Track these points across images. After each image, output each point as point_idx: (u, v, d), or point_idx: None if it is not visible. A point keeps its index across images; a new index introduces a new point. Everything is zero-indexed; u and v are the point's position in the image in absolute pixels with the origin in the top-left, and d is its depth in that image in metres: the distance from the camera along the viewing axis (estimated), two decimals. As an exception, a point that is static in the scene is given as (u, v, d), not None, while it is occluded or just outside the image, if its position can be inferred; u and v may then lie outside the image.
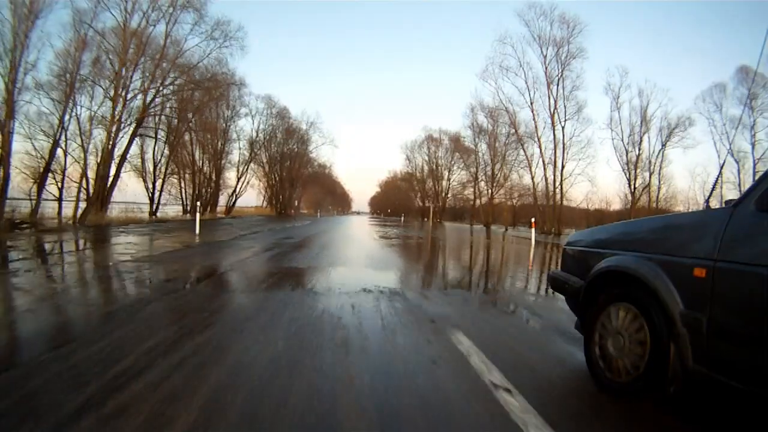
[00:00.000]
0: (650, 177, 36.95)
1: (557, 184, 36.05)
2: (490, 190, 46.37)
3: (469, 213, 62.15)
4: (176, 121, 32.92)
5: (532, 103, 37.42)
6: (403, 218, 60.87)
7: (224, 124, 41.85)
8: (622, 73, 37.68)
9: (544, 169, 36.76)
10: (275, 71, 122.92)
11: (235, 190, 45.74)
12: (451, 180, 59.91)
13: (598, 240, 3.37)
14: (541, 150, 36.99)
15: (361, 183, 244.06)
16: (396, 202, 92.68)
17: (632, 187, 36.79)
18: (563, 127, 36.28)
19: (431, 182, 64.90)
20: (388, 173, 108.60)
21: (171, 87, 25.99)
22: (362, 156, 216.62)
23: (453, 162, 58.84)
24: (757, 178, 2.47)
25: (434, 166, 62.84)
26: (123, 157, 24.48)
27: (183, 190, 36.54)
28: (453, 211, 65.89)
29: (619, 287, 2.89)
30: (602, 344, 2.93)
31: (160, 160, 32.89)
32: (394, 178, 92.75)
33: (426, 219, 65.02)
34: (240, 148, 46.63)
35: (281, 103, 51.05)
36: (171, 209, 35.87)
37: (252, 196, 55.08)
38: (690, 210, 25.89)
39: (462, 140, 52.58)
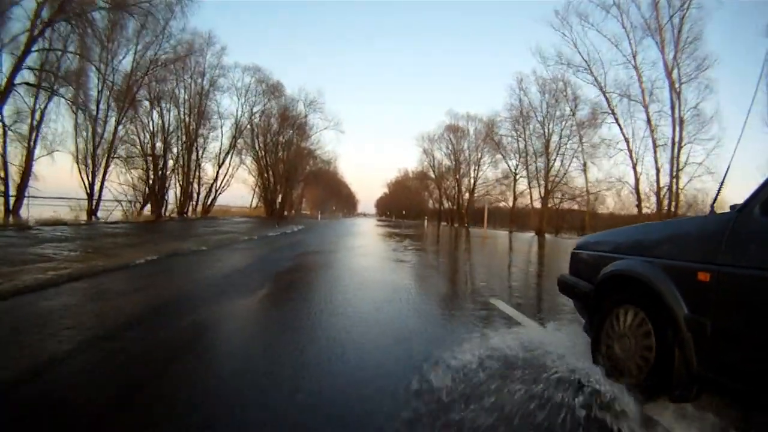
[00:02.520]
0: None
1: (673, 175, 25.29)
2: (543, 188, 36.11)
3: (498, 216, 52.62)
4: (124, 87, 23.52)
5: (634, 56, 26.68)
6: (426, 222, 50.13)
7: (199, 100, 32.13)
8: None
9: (655, 152, 26.02)
10: (268, 51, 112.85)
11: (214, 185, 36.01)
12: (479, 177, 49.90)
13: (607, 244, 3.33)
14: (650, 125, 26.20)
15: (367, 184, 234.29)
16: (407, 204, 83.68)
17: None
18: (678, 94, 25.48)
19: (452, 180, 54.87)
20: (398, 172, 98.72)
21: None
22: (369, 154, 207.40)
23: (481, 155, 48.88)
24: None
25: (456, 161, 52.81)
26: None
27: (149, 183, 26.85)
28: (473, 214, 55.70)
29: (626, 291, 2.87)
30: (609, 346, 2.90)
31: (100, 140, 23.22)
32: (404, 177, 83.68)
33: (447, 223, 55.14)
34: (222, 134, 36.85)
35: (274, 77, 40.74)
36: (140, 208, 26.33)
37: (246, 192, 44.19)
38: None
39: (498, 126, 42.35)
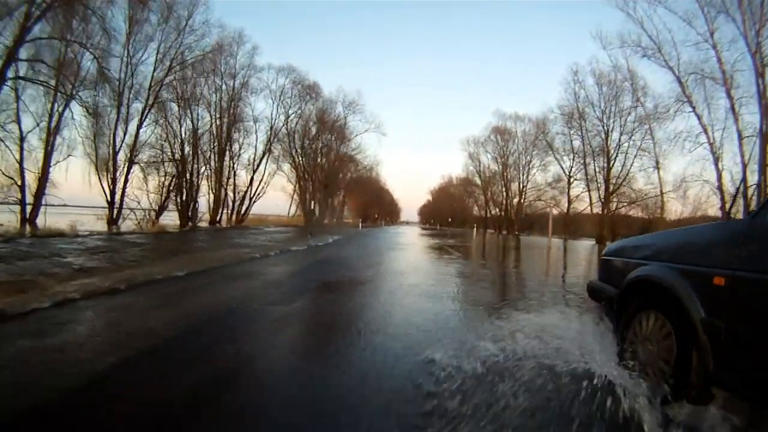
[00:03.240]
0: None
1: (762, 171, 21.00)
2: (603, 190, 32.41)
3: (546, 222, 48.80)
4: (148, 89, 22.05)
5: (712, 34, 22.68)
6: (475, 231, 45.81)
7: (230, 102, 30.52)
8: None
9: (740, 144, 21.97)
10: (303, 54, 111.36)
11: (248, 192, 34.29)
12: (529, 180, 46.25)
13: (632, 250, 3.39)
14: (735, 112, 22.25)
15: (410, 191, 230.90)
16: (451, 211, 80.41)
17: None
18: (763, 76, 21.32)
19: (500, 185, 51.30)
20: (442, 178, 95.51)
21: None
22: (412, 161, 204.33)
23: (531, 158, 45.28)
24: None
25: (503, 165, 49.25)
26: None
27: (176, 191, 25.35)
28: (523, 221, 51.60)
29: (648, 295, 2.91)
30: (634, 349, 2.93)
31: (121, 145, 21.75)
32: (448, 183, 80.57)
33: (494, 230, 51.61)
34: (257, 138, 35.12)
35: (309, 78, 38.60)
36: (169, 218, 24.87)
37: (285, 201, 41.69)
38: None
39: (551, 123, 38.90)
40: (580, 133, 34.57)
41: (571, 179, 38.01)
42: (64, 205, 20.51)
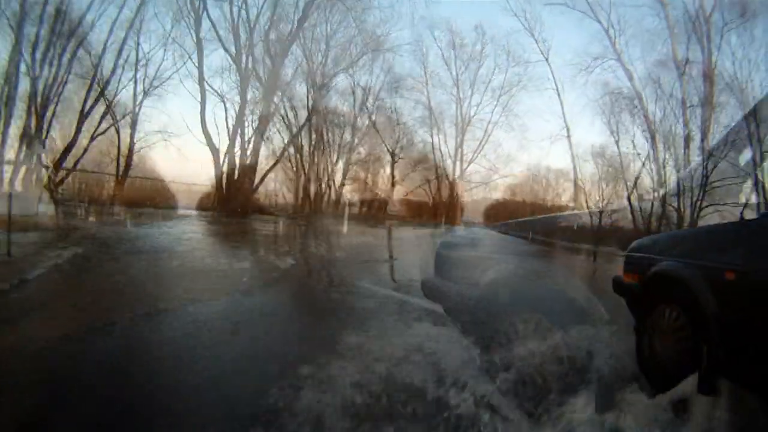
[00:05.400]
0: None
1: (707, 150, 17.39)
2: (455, 167, 27.11)
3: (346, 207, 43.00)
4: None
5: None
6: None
7: None
8: None
9: (684, 114, 18.21)
10: None
11: None
12: (340, 159, 39.07)
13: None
14: (684, 75, 18.36)
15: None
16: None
17: None
18: (709, 40, 17.82)
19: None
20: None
21: None
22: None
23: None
24: None
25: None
26: None
27: None
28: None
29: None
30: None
31: None
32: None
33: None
34: None
35: None
36: None
37: None
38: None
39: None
40: (426, 102, 28.67)
41: (396, 157, 32.02)
42: None
